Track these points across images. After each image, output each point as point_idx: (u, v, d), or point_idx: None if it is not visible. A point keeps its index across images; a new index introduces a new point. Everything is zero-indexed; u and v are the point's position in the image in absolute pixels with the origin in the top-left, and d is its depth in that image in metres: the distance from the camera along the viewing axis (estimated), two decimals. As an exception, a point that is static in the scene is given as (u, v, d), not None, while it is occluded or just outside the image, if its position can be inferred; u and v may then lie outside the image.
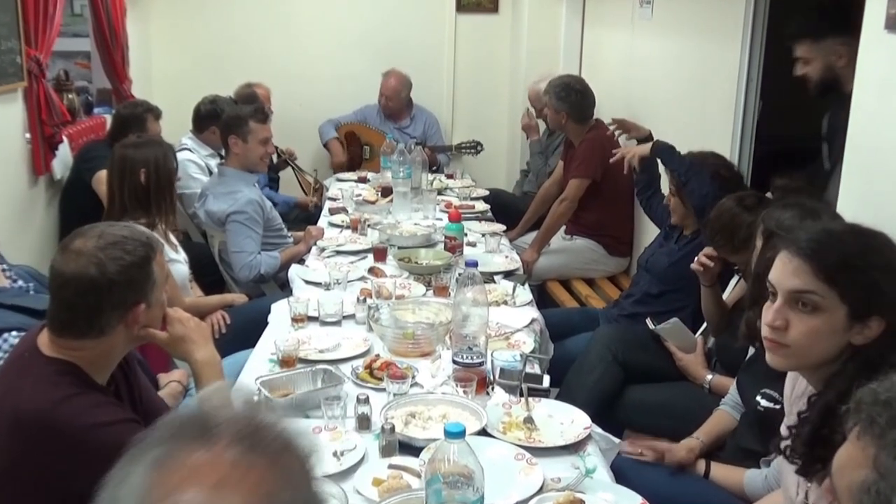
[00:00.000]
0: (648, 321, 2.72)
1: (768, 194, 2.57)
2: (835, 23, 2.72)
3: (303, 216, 4.72)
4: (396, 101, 5.59)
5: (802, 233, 1.61)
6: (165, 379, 2.37)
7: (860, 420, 1.05)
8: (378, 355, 2.35)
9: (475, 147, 5.52)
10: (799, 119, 3.20)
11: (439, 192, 4.46)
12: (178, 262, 3.03)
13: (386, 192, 4.30)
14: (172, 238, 3.03)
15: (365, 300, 2.66)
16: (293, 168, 5.35)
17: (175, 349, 1.78)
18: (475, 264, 2.24)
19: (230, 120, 3.65)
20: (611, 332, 2.80)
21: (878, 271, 1.46)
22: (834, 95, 2.85)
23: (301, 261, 3.44)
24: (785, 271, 1.51)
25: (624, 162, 3.36)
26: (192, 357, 1.75)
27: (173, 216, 3.05)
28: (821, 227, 1.69)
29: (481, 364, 2.14)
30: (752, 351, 2.25)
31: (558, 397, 2.34)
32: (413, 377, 2.18)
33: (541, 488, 1.73)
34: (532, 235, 4.36)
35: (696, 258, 2.62)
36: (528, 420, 2.01)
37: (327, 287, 2.94)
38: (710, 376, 2.57)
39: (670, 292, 3.06)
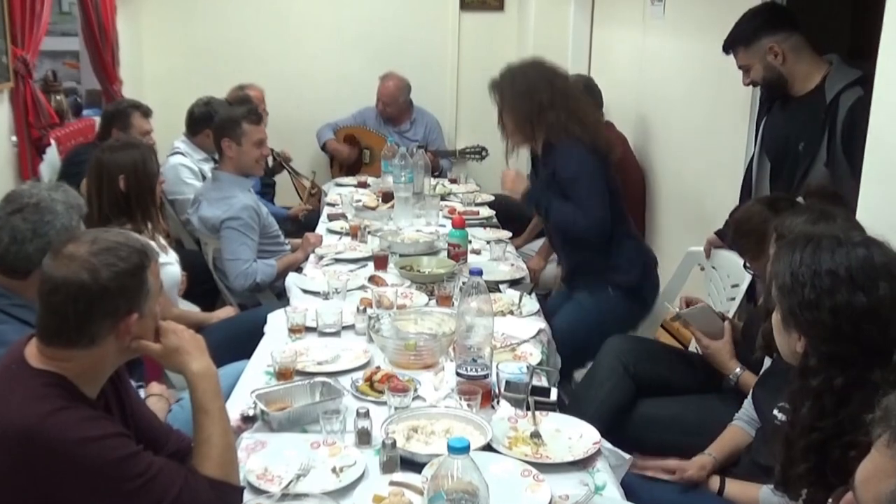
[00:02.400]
0: (675, 304, 2.60)
1: (800, 199, 2.48)
2: (761, 23, 2.75)
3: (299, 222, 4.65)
4: (395, 107, 5.53)
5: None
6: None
7: (889, 429, 1.03)
8: (379, 367, 2.32)
9: (480, 153, 5.40)
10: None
11: (442, 198, 4.40)
12: (168, 263, 3.00)
13: (387, 197, 4.24)
14: (161, 240, 3.00)
15: (365, 310, 2.63)
16: (289, 172, 5.29)
17: (169, 361, 1.74)
18: (480, 273, 2.19)
19: (223, 122, 3.61)
20: (622, 343, 2.73)
21: (790, 285, 1.58)
22: (771, 101, 2.86)
23: (299, 269, 3.40)
24: None
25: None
26: (188, 369, 1.71)
27: (160, 219, 3.02)
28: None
29: (486, 376, 2.10)
30: (767, 364, 2.20)
31: (567, 410, 2.27)
32: (415, 390, 2.15)
33: (548, 505, 1.70)
34: (539, 243, 4.29)
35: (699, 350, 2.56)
36: (535, 435, 1.98)
37: (326, 296, 2.91)
38: (739, 369, 2.44)
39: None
